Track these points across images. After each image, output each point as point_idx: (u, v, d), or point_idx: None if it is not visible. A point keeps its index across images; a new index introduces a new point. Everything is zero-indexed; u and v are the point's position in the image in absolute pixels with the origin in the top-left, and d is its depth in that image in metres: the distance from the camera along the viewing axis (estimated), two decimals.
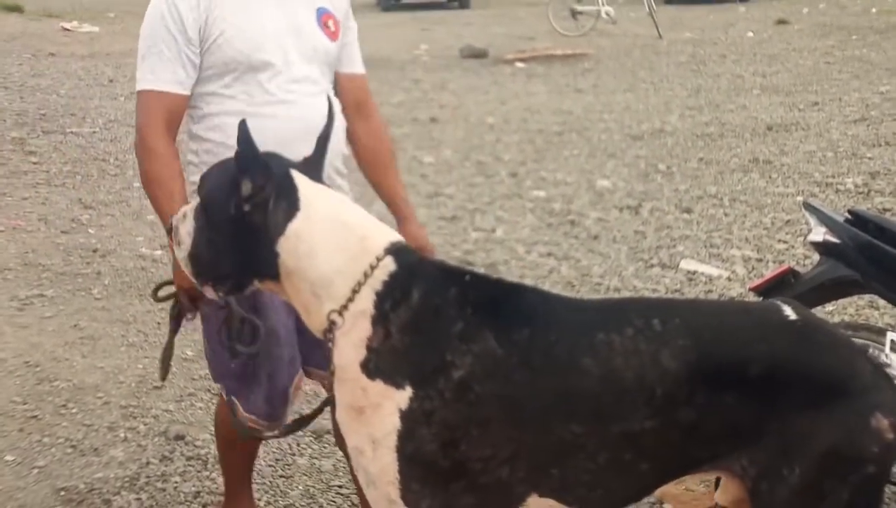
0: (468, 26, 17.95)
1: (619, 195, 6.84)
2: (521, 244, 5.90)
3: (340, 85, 2.68)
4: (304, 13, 2.53)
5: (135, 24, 3.62)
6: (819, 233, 2.98)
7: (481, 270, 5.15)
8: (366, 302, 1.91)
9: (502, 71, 12.70)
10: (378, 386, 1.88)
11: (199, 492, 3.31)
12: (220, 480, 3.07)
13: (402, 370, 1.87)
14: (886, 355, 2.86)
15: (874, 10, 17.02)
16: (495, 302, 1.95)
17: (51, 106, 9.63)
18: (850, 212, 3.05)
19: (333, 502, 3.25)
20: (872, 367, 1.91)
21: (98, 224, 6.29)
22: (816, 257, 3.11)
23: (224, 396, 2.64)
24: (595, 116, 9.58)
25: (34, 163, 7.65)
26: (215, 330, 2.45)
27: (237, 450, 2.88)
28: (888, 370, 2.72)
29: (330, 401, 2.34)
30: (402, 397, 1.86)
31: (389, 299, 1.91)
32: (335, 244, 1.94)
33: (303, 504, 3.25)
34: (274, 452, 3.56)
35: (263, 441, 3.55)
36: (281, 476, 3.41)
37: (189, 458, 3.53)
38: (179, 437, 3.66)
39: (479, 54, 13.77)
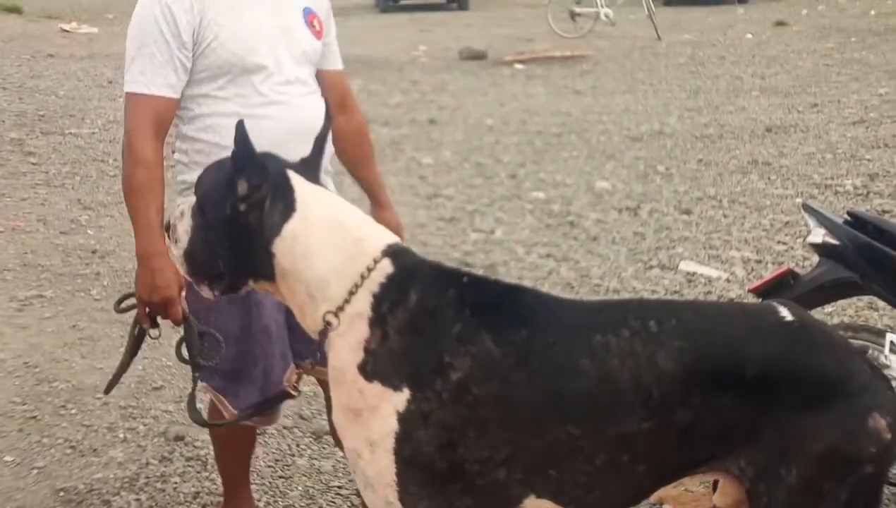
0: (467, 28, 17.96)
1: (619, 196, 6.85)
2: (520, 245, 5.91)
3: (324, 82, 2.70)
4: (291, 14, 2.55)
5: None
6: (818, 235, 2.99)
7: (481, 271, 5.15)
8: (362, 304, 1.91)
9: (501, 72, 12.71)
10: (375, 388, 1.88)
11: (198, 493, 3.31)
12: (220, 481, 3.07)
13: (400, 372, 1.87)
14: (886, 356, 2.87)
15: (873, 12, 17.04)
16: (493, 304, 1.94)
17: (50, 107, 9.62)
18: (849, 213, 3.05)
19: (333, 503, 3.25)
20: (869, 368, 1.91)
21: (97, 225, 6.29)
22: (816, 259, 3.11)
23: (209, 393, 2.66)
24: (594, 118, 9.58)
25: (33, 164, 7.65)
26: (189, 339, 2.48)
27: (231, 450, 2.89)
28: (888, 371, 2.74)
29: (287, 395, 2.36)
30: (400, 399, 1.86)
31: (387, 301, 1.91)
32: (332, 245, 1.94)
33: (302, 504, 3.25)
34: (273, 453, 3.56)
35: (261, 443, 3.56)
36: (280, 477, 3.41)
37: (188, 459, 3.53)
38: (179, 438, 3.66)
39: (477, 56, 13.77)
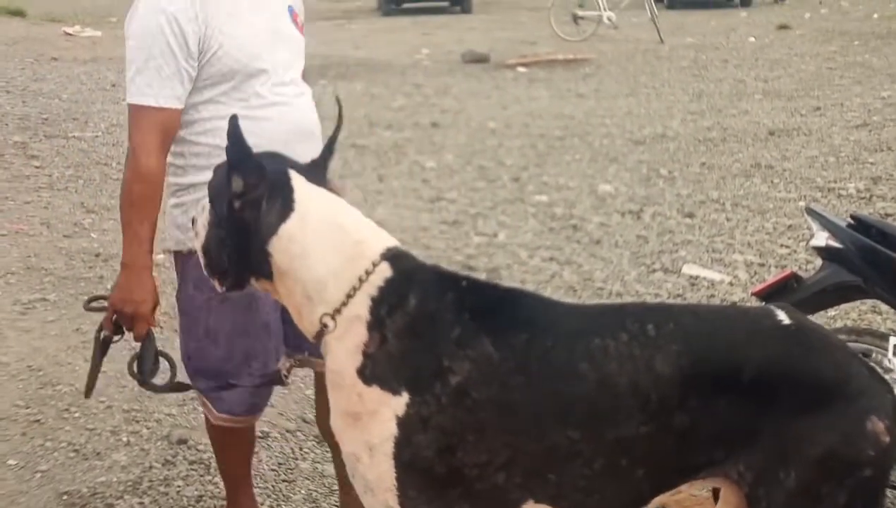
0: (470, 31, 17.97)
1: (621, 200, 6.85)
2: (523, 249, 5.91)
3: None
4: (281, 16, 2.57)
5: None
6: (821, 238, 2.98)
7: (483, 275, 5.15)
8: (361, 307, 1.91)
9: (504, 75, 12.71)
10: (374, 392, 1.88)
11: (201, 496, 3.32)
12: (224, 484, 3.07)
13: (399, 376, 1.87)
14: (889, 359, 2.86)
15: (876, 15, 17.05)
16: (492, 308, 1.94)
17: (53, 110, 9.64)
18: (852, 216, 3.05)
19: (336, 506, 3.24)
20: (868, 371, 1.91)
21: (100, 228, 6.29)
22: (819, 262, 3.11)
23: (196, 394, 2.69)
24: (597, 121, 9.58)
25: (36, 168, 7.66)
26: (199, 333, 2.54)
27: (230, 451, 2.89)
28: (891, 375, 2.74)
29: (278, 380, 2.33)
30: (399, 403, 1.86)
31: (385, 304, 1.91)
32: (329, 247, 1.94)
33: None
34: (276, 456, 3.56)
35: (264, 446, 3.56)
36: (283, 481, 3.42)
37: (192, 462, 3.53)
38: (182, 441, 3.67)
39: (480, 59, 13.77)
